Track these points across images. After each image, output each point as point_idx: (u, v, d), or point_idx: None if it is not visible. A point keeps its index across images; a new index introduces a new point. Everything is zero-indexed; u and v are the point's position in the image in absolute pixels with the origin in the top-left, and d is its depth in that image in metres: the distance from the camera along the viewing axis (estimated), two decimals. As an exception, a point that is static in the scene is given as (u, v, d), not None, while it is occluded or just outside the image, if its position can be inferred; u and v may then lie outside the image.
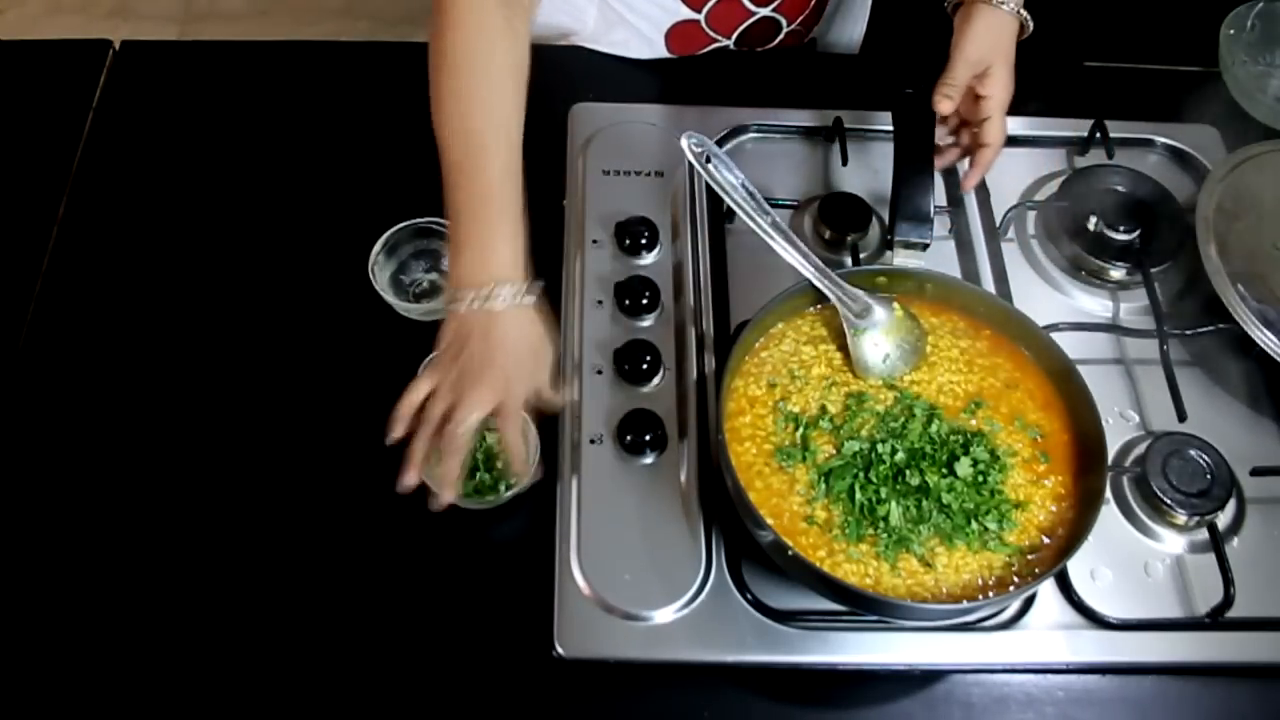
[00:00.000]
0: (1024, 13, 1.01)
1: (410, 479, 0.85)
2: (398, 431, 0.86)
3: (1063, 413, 0.92)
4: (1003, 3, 1.00)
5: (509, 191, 0.88)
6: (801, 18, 1.26)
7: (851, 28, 1.36)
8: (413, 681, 0.88)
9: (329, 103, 1.19)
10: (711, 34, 1.25)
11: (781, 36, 1.28)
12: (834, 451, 0.88)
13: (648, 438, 0.95)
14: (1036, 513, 0.87)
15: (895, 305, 0.93)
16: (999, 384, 0.93)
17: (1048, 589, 0.92)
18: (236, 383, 1.01)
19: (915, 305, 0.96)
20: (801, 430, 0.89)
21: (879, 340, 0.92)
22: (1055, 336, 0.94)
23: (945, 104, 1.00)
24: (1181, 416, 1.00)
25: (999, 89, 1.01)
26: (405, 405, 0.86)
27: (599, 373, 1.00)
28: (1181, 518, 0.95)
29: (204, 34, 2.55)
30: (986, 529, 0.85)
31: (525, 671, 0.88)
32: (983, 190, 1.15)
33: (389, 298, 1.02)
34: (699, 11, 1.21)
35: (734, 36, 1.26)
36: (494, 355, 0.86)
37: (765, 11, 1.23)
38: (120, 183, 1.12)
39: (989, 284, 1.08)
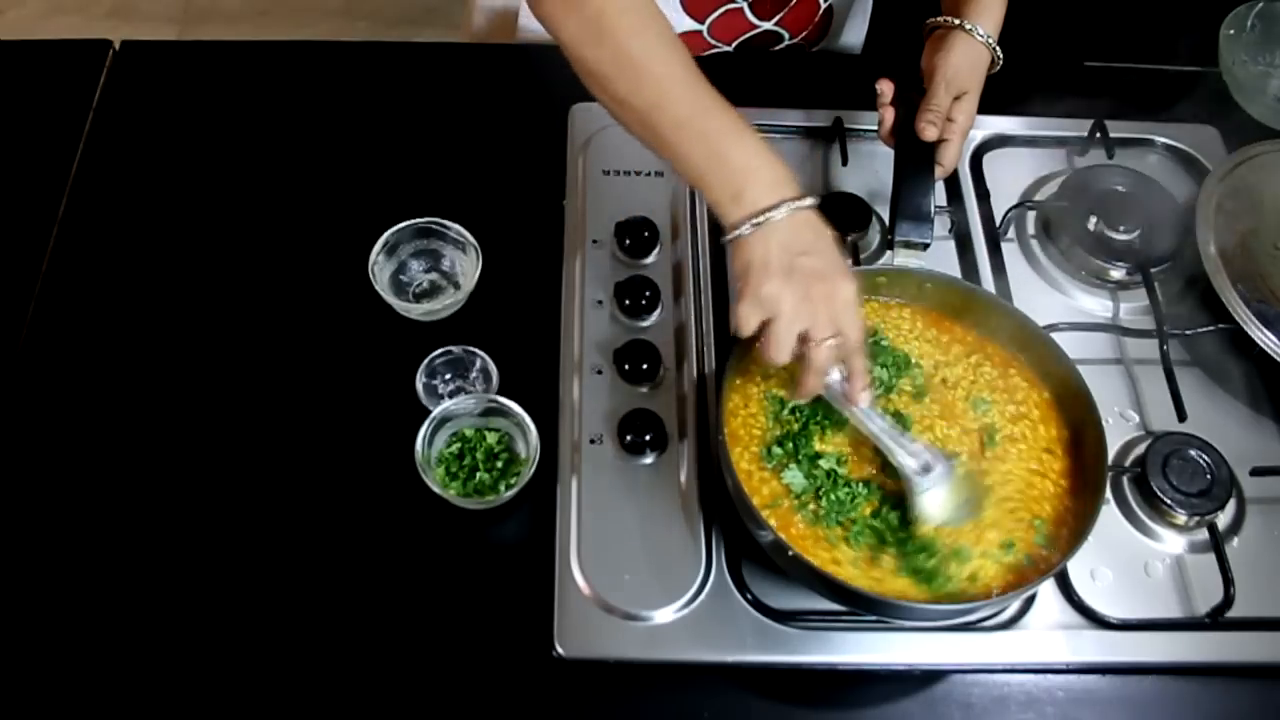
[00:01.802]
0: (997, 48, 1.02)
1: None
2: (783, 357, 0.82)
3: (1062, 413, 0.92)
4: (980, 34, 1.00)
5: (741, 118, 0.85)
6: (804, 33, 1.27)
7: (851, 36, 1.36)
8: (413, 681, 0.88)
9: (329, 103, 1.19)
10: (712, 42, 1.25)
11: (781, 48, 1.28)
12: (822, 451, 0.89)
13: (648, 438, 0.95)
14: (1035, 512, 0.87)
15: (956, 462, 0.88)
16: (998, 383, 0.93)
17: (1048, 589, 0.92)
18: (237, 383, 1.01)
19: (926, 315, 0.96)
20: (792, 422, 0.90)
21: (941, 497, 0.86)
22: (1055, 336, 0.94)
23: (931, 130, 1.00)
24: (1181, 416, 1.00)
25: (965, 117, 1.02)
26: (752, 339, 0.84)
27: (599, 373, 1.00)
28: (1181, 518, 0.95)
29: (204, 34, 2.55)
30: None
31: (525, 671, 0.88)
32: (983, 190, 1.15)
33: (389, 298, 1.02)
34: (702, 22, 1.22)
35: (734, 45, 1.26)
36: (825, 248, 0.83)
37: (768, 25, 1.23)
38: (120, 183, 1.12)
39: (989, 284, 1.08)
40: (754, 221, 0.81)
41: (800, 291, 0.81)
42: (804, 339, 0.82)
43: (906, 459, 0.86)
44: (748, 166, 0.82)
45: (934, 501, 0.86)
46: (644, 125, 0.85)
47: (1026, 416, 0.92)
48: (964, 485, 0.87)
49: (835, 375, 0.85)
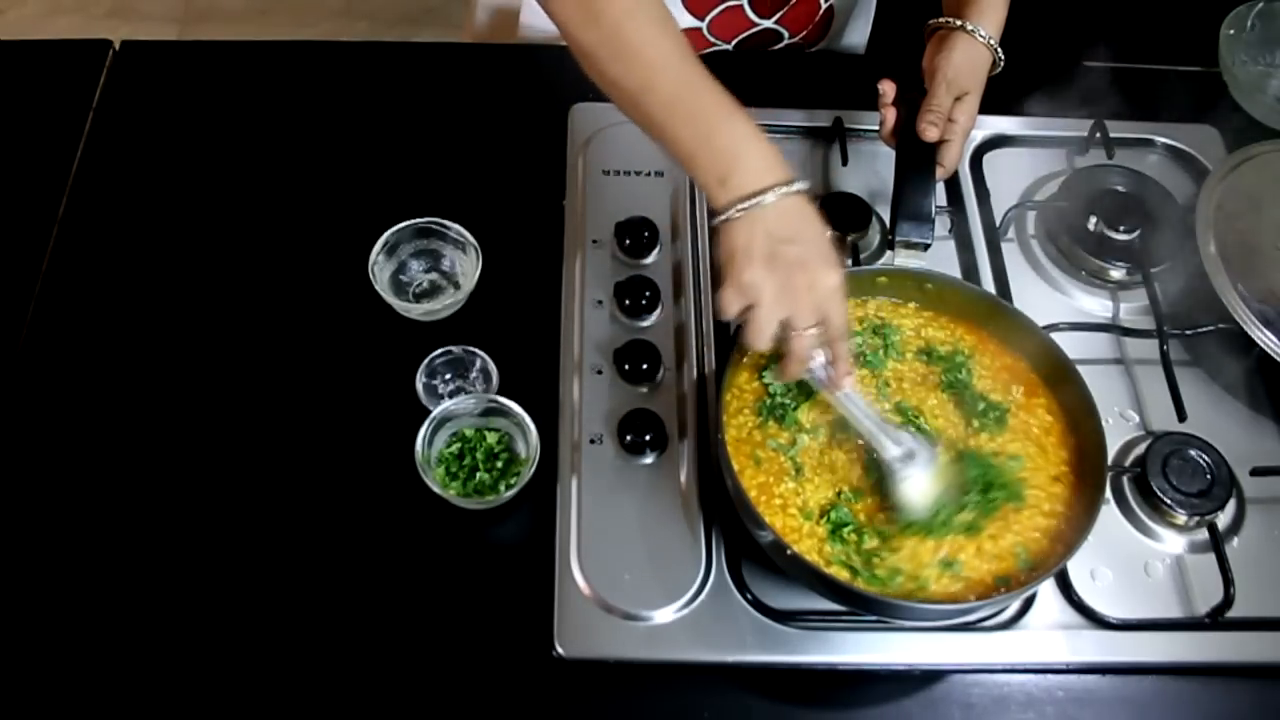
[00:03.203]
0: (999, 49, 1.02)
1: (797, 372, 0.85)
2: (763, 344, 0.82)
3: (1062, 413, 0.92)
4: (981, 35, 1.00)
5: (733, 100, 0.84)
6: (804, 33, 1.27)
7: (854, 37, 1.36)
8: (413, 681, 0.88)
9: (329, 103, 1.19)
10: (712, 39, 1.25)
11: (781, 47, 1.28)
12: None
13: (648, 438, 0.95)
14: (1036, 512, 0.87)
15: (939, 450, 0.88)
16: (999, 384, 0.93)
17: (1048, 589, 0.92)
18: (237, 383, 1.01)
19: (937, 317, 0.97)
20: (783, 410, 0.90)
21: (922, 485, 0.86)
22: (1055, 336, 0.94)
23: (932, 131, 1.00)
24: (1181, 416, 1.00)
25: (966, 117, 1.02)
26: (729, 314, 0.83)
27: (599, 373, 1.00)
28: (1181, 518, 0.95)
29: (204, 34, 2.55)
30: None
31: (525, 671, 0.88)
32: (983, 190, 1.15)
33: (389, 298, 1.02)
34: (702, 19, 1.22)
35: (734, 43, 1.26)
36: (812, 236, 0.83)
37: (768, 23, 1.23)
38: (120, 183, 1.12)
39: (989, 284, 1.08)
40: (741, 207, 0.81)
41: (781, 280, 0.81)
42: (786, 326, 0.82)
43: (889, 446, 0.86)
44: (736, 149, 0.82)
45: (916, 489, 0.86)
46: (636, 107, 0.85)
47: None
48: (946, 474, 0.87)
49: (819, 360, 0.85)
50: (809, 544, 0.86)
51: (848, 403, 0.87)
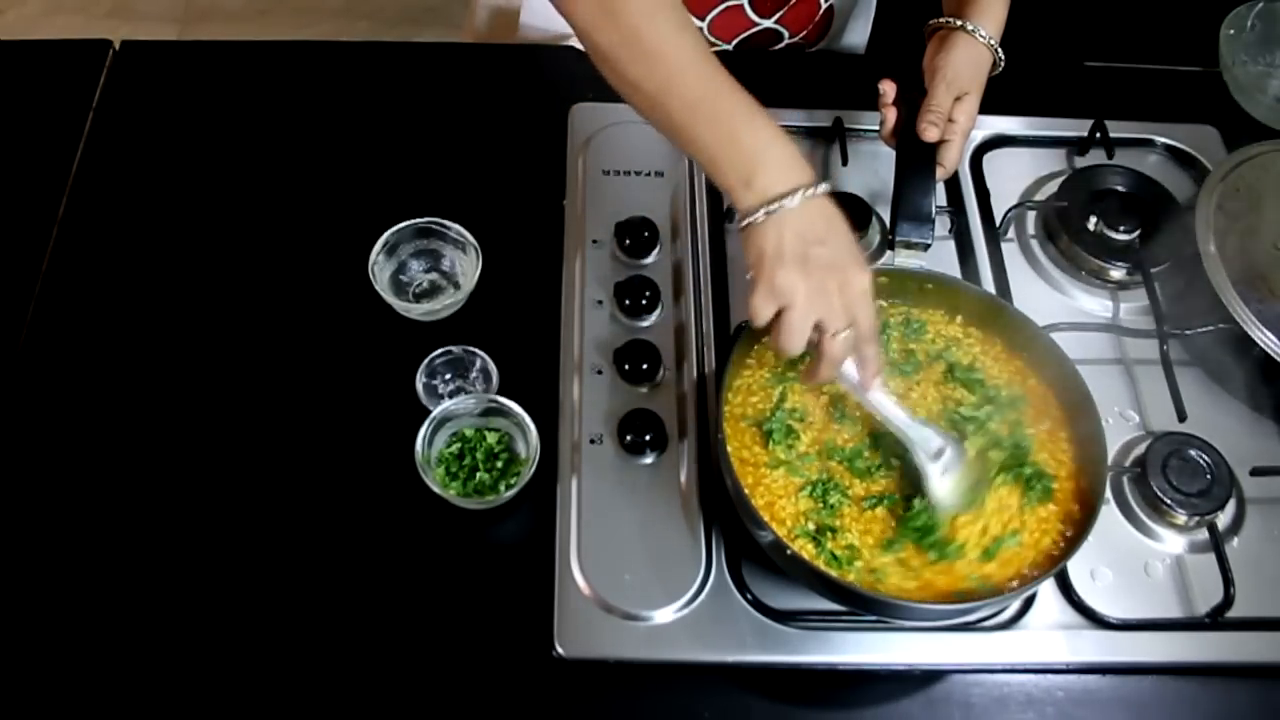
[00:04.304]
0: (999, 49, 1.02)
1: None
2: (796, 348, 0.82)
3: (1062, 413, 0.92)
4: (982, 35, 1.00)
5: (754, 100, 0.83)
6: (804, 33, 1.26)
7: (854, 37, 1.36)
8: (413, 681, 0.88)
9: (329, 103, 1.19)
10: (712, 39, 1.25)
11: (781, 47, 1.28)
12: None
13: (648, 438, 0.95)
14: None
15: (967, 444, 0.88)
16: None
17: (1048, 589, 0.92)
18: (237, 383, 1.01)
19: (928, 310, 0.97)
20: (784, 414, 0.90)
21: (954, 481, 0.87)
22: (1055, 336, 0.94)
23: (932, 131, 1.00)
24: (1181, 416, 1.00)
25: (966, 118, 1.01)
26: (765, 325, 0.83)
27: (599, 373, 1.00)
28: (1181, 518, 0.95)
29: (204, 34, 2.55)
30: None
31: (525, 671, 0.88)
32: (983, 190, 1.15)
33: (389, 298, 1.02)
34: (702, 19, 1.22)
35: (734, 43, 1.26)
36: (841, 237, 0.82)
37: (768, 23, 1.23)
38: (120, 183, 1.12)
39: (989, 284, 1.08)
40: (767, 209, 0.80)
41: (815, 282, 0.80)
42: (818, 329, 0.82)
43: (920, 445, 0.86)
44: (759, 150, 0.81)
45: (948, 486, 0.86)
46: (656, 109, 0.84)
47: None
48: (974, 468, 0.87)
49: (849, 364, 0.85)
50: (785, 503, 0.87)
51: (877, 404, 0.87)
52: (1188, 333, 1.05)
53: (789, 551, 0.82)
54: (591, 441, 0.96)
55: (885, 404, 0.87)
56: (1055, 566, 0.83)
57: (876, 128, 1.06)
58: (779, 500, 0.88)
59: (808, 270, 0.80)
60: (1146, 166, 1.17)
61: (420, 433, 0.93)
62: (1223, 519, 0.97)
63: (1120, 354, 1.06)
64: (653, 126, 0.86)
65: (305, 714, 0.88)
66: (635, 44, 0.83)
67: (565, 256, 1.07)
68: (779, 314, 0.81)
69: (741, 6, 1.21)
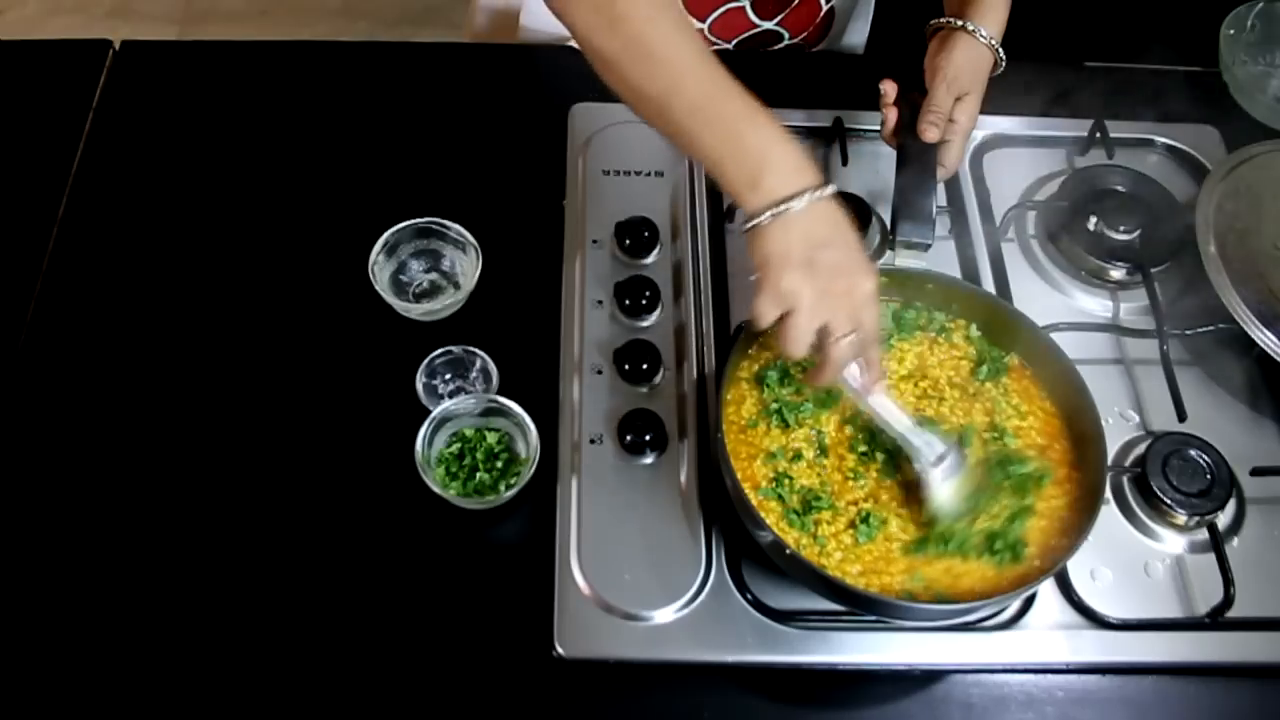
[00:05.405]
0: (1000, 50, 1.01)
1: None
2: (800, 351, 0.82)
3: (1062, 412, 0.92)
4: (983, 35, 1.00)
5: (757, 102, 0.83)
6: (805, 34, 1.26)
7: (854, 37, 1.36)
8: (413, 681, 0.88)
9: (329, 103, 1.19)
10: (713, 40, 1.25)
11: (781, 47, 1.28)
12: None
13: (648, 438, 0.95)
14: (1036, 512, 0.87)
15: (967, 452, 0.88)
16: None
17: (1048, 589, 0.92)
18: (237, 383, 1.01)
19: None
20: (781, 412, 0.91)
21: (955, 488, 0.87)
22: (1055, 336, 0.94)
23: (933, 131, 1.00)
24: (1181, 416, 1.00)
25: (967, 118, 1.01)
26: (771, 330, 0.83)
27: (599, 373, 1.00)
28: (1181, 518, 0.95)
29: (204, 34, 2.55)
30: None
31: (525, 671, 0.88)
32: (983, 190, 1.15)
33: (389, 298, 1.02)
34: (703, 20, 1.21)
35: (734, 44, 1.26)
36: (847, 241, 0.82)
37: (769, 25, 1.23)
38: (120, 183, 1.12)
39: (989, 284, 1.08)
40: (773, 211, 0.80)
41: (820, 286, 0.80)
42: (822, 333, 0.82)
43: (922, 451, 0.86)
44: (765, 152, 0.81)
45: (949, 493, 0.86)
46: (659, 113, 0.84)
47: (1026, 416, 0.92)
48: (975, 474, 0.87)
49: (853, 367, 0.85)
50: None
51: (879, 409, 0.87)
52: (1188, 333, 1.05)
53: (789, 551, 0.82)
54: (591, 441, 0.96)
55: (888, 408, 0.87)
56: (1055, 567, 0.83)
57: (877, 128, 1.06)
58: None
59: (814, 274, 0.80)
60: (1146, 166, 1.17)
61: (420, 433, 0.93)
62: (1223, 519, 0.97)
63: (1120, 354, 1.06)
64: (655, 130, 0.86)
65: (305, 714, 0.88)
66: (638, 48, 0.83)
67: (565, 256, 1.07)
68: (783, 317, 0.81)
69: (743, 8, 1.21)
